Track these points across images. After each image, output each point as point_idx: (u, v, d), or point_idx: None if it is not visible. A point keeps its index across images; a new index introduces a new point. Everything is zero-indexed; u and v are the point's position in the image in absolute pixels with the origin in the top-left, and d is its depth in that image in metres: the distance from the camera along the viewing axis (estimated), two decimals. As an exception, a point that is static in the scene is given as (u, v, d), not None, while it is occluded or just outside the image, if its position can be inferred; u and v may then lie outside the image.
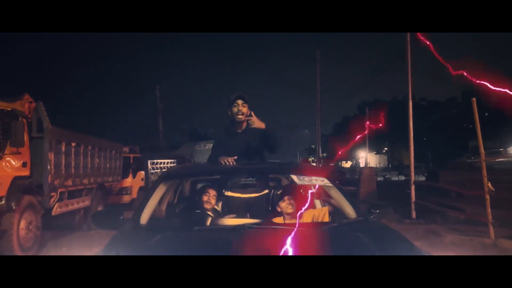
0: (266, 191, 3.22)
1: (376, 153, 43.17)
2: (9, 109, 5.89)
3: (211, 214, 2.92)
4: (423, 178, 18.46)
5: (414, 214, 8.80)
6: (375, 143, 38.59)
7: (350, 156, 36.05)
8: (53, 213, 6.71)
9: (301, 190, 3.18)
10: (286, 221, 2.81)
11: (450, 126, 35.79)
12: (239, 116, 3.10)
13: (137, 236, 2.25)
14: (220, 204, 3.19)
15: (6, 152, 5.63)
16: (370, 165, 38.87)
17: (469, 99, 6.09)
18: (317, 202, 3.31)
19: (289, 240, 2.02)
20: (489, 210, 5.81)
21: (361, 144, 38.74)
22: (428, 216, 8.58)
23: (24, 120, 6.14)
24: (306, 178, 2.72)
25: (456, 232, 6.50)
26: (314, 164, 29.11)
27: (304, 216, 2.82)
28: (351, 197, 2.75)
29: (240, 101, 3.12)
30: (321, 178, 2.78)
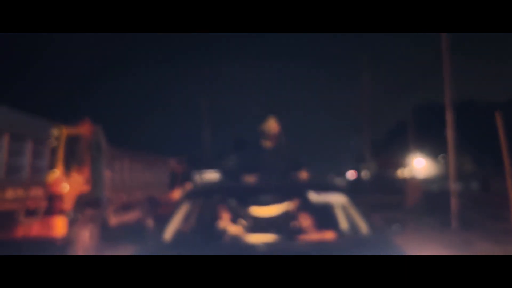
0: (287, 204, 3.27)
1: (435, 158, 41.19)
2: (75, 134, 6.91)
3: (231, 231, 3.02)
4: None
5: (455, 223, 8.70)
6: (432, 149, 36.95)
7: (404, 163, 34.75)
8: (110, 224, 7.65)
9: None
10: (307, 236, 2.95)
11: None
12: (270, 132, 3.30)
13: (158, 251, 2.42)
14: (246, 221, 3.28)
15: (72, 171, 6.62)
16: (427, 173, 37.38)
17: None
18: (341, 217, 3.38)
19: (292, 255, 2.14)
20: (516, 219, 5.76)
21: (416, 150, 37.32)
22: (471, 225, 8.47)
23: (87, 143, 7.16)
24: (324, 195, 2.91)
25: (491, 241, 6.45)
26: (367, 173, 28.51)
27: (322, 232, 2.96)
28: (366, 213, 2.87)
29: (272, 119, 3.30)
30: (339, 194, 2.95)
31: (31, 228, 5.94)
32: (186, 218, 3.23)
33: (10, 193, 4.97)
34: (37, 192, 5.56)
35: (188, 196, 3.22)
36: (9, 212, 5.17)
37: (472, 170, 32.07)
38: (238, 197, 3.42)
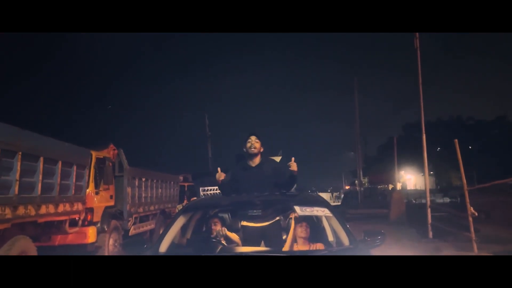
0: (278, 218, 3.42)
1: (422, 175, 42.56)
2: (102, 157, 8.12)
3: (224, 243, 3.07)
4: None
5: (430, 234, 9.89)
6: (421, 165, 38.33)
7: (393, 178, 36.12)
8: (129, 234, 8.80)
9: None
10: (299, 247, 3.11)
11: (500, 146, 34.89)
12: (252, 150, 3.38)
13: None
14: (239, 234, 3.37)
15: (100, 189, 7.81)
16: (416, 187, 38.67)
17: None
18: (328, 230, 3.55)
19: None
20: (472, 229, 7.01)
21: (405, 167, 38.70)
22: (443, 236, 9.65)
23: (111, 164, 8.36)
24: (308, 209, 2.99)
25: (455, 248, 7.66)
26: (359, 188, 29.81)
27: (312, 244, 3.13)
28: (347, 227, 2.99)
29: (253, 137, 3.40)
30: (322, 209, 3.06)
31: (68, 236, 7.09)
32: (181, 231, 3.41)
33: (61, 208, 6.17)
34: (78, 206, 6.75)
35: (184, 211, 3.36)
36: (59, 222, 6.34)
37: (459, 185, 33.44)
38: (232, 211, 3.66)
